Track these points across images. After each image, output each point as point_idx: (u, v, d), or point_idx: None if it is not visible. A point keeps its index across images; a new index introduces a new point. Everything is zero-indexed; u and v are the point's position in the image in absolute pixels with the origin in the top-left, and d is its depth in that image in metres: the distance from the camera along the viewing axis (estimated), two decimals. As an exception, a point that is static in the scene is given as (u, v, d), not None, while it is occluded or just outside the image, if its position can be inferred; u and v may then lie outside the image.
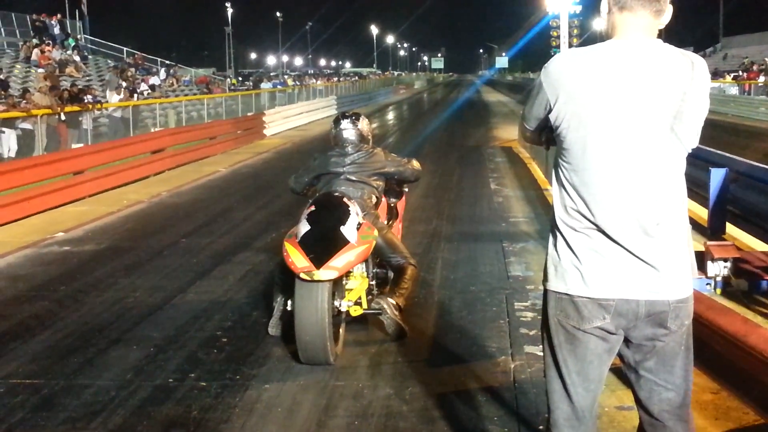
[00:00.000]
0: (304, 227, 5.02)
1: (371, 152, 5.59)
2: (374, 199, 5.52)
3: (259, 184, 13.92)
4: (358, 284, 5.17)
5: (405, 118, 37.83)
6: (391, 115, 39.18)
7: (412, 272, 5.50)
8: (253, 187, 13.54)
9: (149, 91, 25.64)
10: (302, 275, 4.68)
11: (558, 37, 61.52)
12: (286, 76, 53.65)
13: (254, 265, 7.67)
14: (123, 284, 7.04)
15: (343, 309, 4.99)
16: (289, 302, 4.91)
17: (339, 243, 4.85)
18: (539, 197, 11.32)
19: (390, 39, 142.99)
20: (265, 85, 36.27)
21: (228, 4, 73.94)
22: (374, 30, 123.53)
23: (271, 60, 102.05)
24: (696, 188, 8.07)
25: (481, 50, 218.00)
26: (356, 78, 63.54)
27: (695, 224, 8.01)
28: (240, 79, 46.17)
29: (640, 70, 2.24)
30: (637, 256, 2.27)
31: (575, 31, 64.47)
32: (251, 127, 23.37)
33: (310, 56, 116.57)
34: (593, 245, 2.30)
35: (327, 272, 4.69)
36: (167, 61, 36.49)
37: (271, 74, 57.80)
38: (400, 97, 61.31)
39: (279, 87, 36.13)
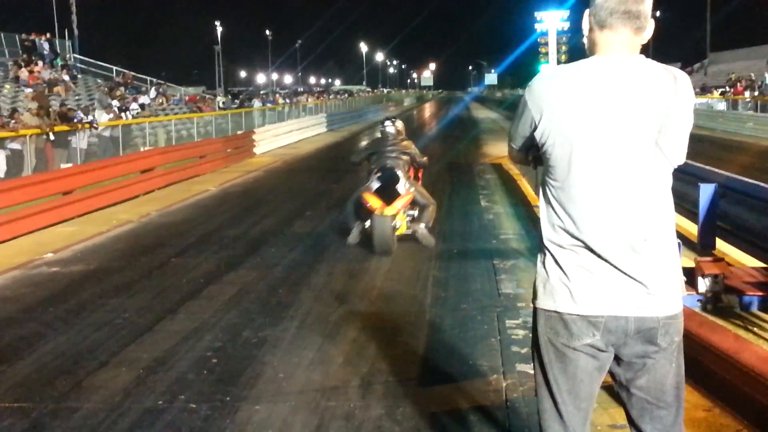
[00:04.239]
0: (375, 184, 8.84)
1: (402, 140, 9.45)
2: (407, 167, 9.19)
3: (249, 203, 13.90)
4: (402, 217, 8.95)
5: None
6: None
7: (432, 209, 9.29)
8: (243, 206, 13.52)
9: (139, 110, 25.61)
10: (377, 212, 8.49)
11: (546, 53, 61.81)
12: (276, 95, 53.67)
13: (244, 285, 7.64)
14: (112, 305, 7.01)
15: (397, 227, 8.72)
16: (366, 224, 8.71)
17: (395, 194, 8.77)
18: (529, 214, 11.34)
19: (379, 56, 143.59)
20: (256, 104, 36.30)
21: (218, 23, 74.30)
22: (363, 47, 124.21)
23: (261, 78, 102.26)
24: (685, 204, 8.10)
25: (470, 67, 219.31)
26: (346, 95, 63.68)
27: (685, 240, 8.02)
28: (230, 97, 46.16)
29: (623, 85, 2.26)
30: (625, 273, 2.27)
31: (563, 47, 64.84)
32: (241, 146, 23.37)
33: (299, 74, 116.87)
34: (581, 262, 2.31)
35: (390, 210, 8.54)
36: (157, 80, 36.47)
37: (261, 92, 57.85)
38: (389, 114, 61.40)
39: (269, 105, 36.15)
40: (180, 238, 10.42)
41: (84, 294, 7.45)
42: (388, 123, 9.72)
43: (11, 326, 6.43)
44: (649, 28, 2.35)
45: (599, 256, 2.28)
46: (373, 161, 9.31)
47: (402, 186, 8.91)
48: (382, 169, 9.00)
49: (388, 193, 8.78)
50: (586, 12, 2.41)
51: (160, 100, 31.27)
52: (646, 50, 2.38)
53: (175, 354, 5.60)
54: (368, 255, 8.84)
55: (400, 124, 9.71)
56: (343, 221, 9.52)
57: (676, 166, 2.34)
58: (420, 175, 9.94)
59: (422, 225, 9.04)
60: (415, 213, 9.23)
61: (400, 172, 8.95)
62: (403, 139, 9.50)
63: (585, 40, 2.43)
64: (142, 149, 19.03)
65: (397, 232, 8.85)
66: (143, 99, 28.76)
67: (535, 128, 2.35)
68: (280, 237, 10.26)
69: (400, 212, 8.78)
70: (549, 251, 2.37)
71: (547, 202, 2.39)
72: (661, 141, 2.26)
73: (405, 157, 9.21)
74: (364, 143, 9.71)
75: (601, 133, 2.25)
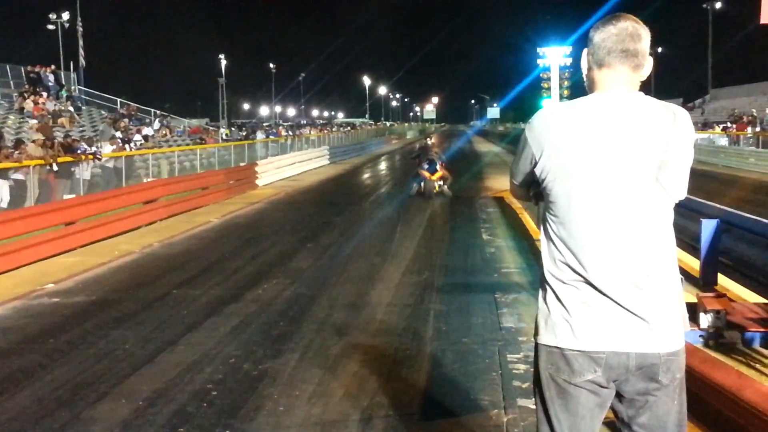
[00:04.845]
0: (425, 165, 19.36)
1: (434, 147, 22.41)
2: (440, 160, 19.88)
3: (250, 235, 13.92)
4: (438, 181, 19.11)
5: (397, 168, 38.03)
6: (383, 165, 39.37)
7: (450, 180, 19.64)
8: (245, 238, 13.53)
9: (142, 141, 25.75)
10: (427, 178, 19.13)
11: (548, 88, 62.11)
12: (279, 127, 53.92)
13: (245, 317, 7.63)
14: (113, 336, 6.99)
15: (435, 187, 18.99)
16: (422, 185, 19.23)
17: (434, 171, 19.22)
18: (531, 247, 11.34)
19: (382, 90, 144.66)
20: (259, 136, 36.48)
21: (222, 56, 74.81)
22: (367, 81, 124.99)
23: (264, 110, 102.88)
24: (687, 238, 8.10)
25: (472, 101, 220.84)
26: (349, 128, 63.98)
27: (687, 275, 8.02)
28: (233, 129, 46.40)
29: (623, 121, 2.27)
30: (627, 309, 2.27)
31: (565, 83, 65.18)
32: (243, 177, 23.43)
33: (302, 106, 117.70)
34: (582, 297, 2.30)
35: (433, 177, 19.13)
36: (160, 112, 36.70)
37: (264, 124, 58.15)
38: (391, 147, 61.69)
39: (272, 137, 36.32)
40: (182, 270, 10.42)
41: (85, 325, 7.44)
42: (428, 140, 23.65)
43: (11, 357, 6.41)
44: (648, 66, 2.37)
45: (601, 291, 2.28)
46: (422, 157, 20.30)
47: (437, 168, 19.44)
48: (428, 160, 19.73)
49: (430, 171, 19.34)
50: (584, 51, 2.44)
51: (164, 132, 31.45)
52: (647, 86, 2.40)
53: (175, 386, 5.58)
54: (369, 288, 8.84)
55: (434, 138, 21.70)
56: (408, 185, 20.50)
57: (677, 201, 2.35)
58: (443, 165, 19.96)
59: (446, 188, 19.45)
60: (442, 183, 19.42)
61: (437, 162, 19.68)
62: (434, 145, 23.06)
63: (585, 78, 2.46)
64: (145, 180, 19.08)
65: (435, 191, 19.15)
66: (147, 130, 28.94)
67: (536, 164, 2.37)
68: (281, 269, 10.26)
69: (436, 180, 19.21)
70: (550, 286, 2.37)
71: (548, 237, 2.39)
72: (662, 177, 2.27)
73: (438, 158, 20.06)
74: (416, 149, 24.85)
75: (601, 170, 2.27)
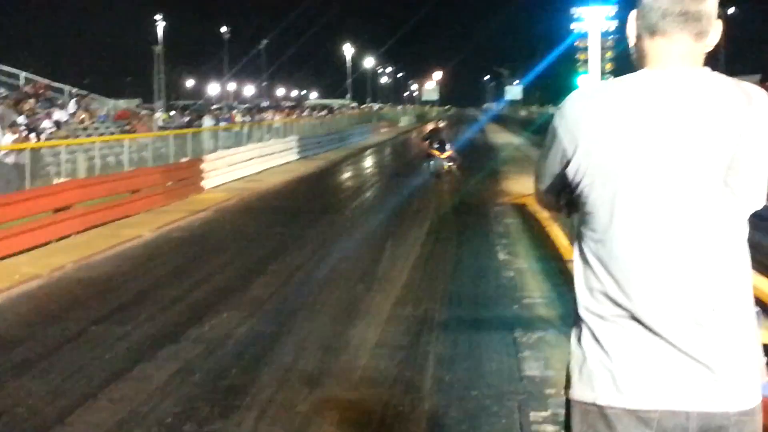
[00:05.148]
0: (435, 145, 26.81)
1: (447, 132, 31.33)
2: (449, 140, 28.37)
3: (194, 253, 13.91)
4: (446, 160, 26.77)
5: (387, 166, 38.08)
6: (369, 162, 39.45)
7: (458, 160, 27.64)
8: (187, 258, 13.52)
9: (53, 129, 25.67)
10: (437, 157, 26.75)
11: (586, 61, 62.04)
12: (233, 110, 53.93)
13: (186, 363, 7.62)
14: (11, 389, 6.97)
15: (445, 166, 26.69)
16: (431, 164, 26.76)
17: (444, 151, 26.89)
18: (562, 271, 11.36)
19: (369, 62, 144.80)
20: (206, 122, 36.45)
21: (158, 17, 74.61)
22: (349, 50, 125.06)
23: (213, 89, 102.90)
24: (766, 259, 8.14)
25: (487, 77, 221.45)
26: (325, 112, 64.11)
27: (764, 307, 8.05)
28: (173, 113, 46.38)
29: (681, 107, 2.25)
30: (685, 353, 2.25)
31: (608, 54, 64.85)
32: (186, 177, 23.41)
33: (264, 83, 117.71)
34: (628, 339, 2.29)
35: (442, 156, 26.73)
36: (77, 90, 36.62)
37: (214, 107, 58.14)
38: (380, 137, 61.85)
39: (224, 124, 36.31)
40: (103, 300, 10.40)
41: (-26, 373, 7.41)
42: (440, 123, 37.21)
43: None
44: (715, 32, 2.36)
45: (651, 330, 2.26)
46: (433, 138, 27.14)
47: (446, 147, 26.44)
48: (439, 141, 26.60)
49: (440, 150, 26.21)
50: (632, 14, 2.42)
51: (82, 117, 31.35)
52: (714, 58, 2.39)
53: (92, 454, 5.56)
54: (349, 324, 8.86)
55: (444, 124, 39.54)
56: (422, 166, 27.76)
57: (752, 212, 2.33)
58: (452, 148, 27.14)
59: (455, 167, 26.34)
60: (451, 163, 26.26)
61: (447, 142, 26.84)
62: (445, 128, 32.66)
63: (632, 50, 2.45)
64: (56, 181, 19.03)
65: (444, 169, 25.85)
66: (59, 115, 28.84)
67: (568, 164, 2.36)
68: (234, 299, 10.25)
69: (445, 158, 26.10)
70: (586, 324, 2.36)
71: (584, 260, 2.38)
72: (732, 179, 2.25)
73: (447, 138, 27.19)
74: (428, 131, 30.45)
75: (653, 171, 2.25)
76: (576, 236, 2.45)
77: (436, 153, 26.63)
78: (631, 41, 2.43)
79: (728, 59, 56.34)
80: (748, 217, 2.32)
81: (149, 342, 8.32)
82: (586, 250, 2.37)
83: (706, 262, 2.25)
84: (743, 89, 2.27)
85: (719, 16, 2.38)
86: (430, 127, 36.75)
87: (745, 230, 2.32)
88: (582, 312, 2.37)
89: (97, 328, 8.93)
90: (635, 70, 2.38)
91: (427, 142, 27.95)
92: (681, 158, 2.23)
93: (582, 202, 2.37)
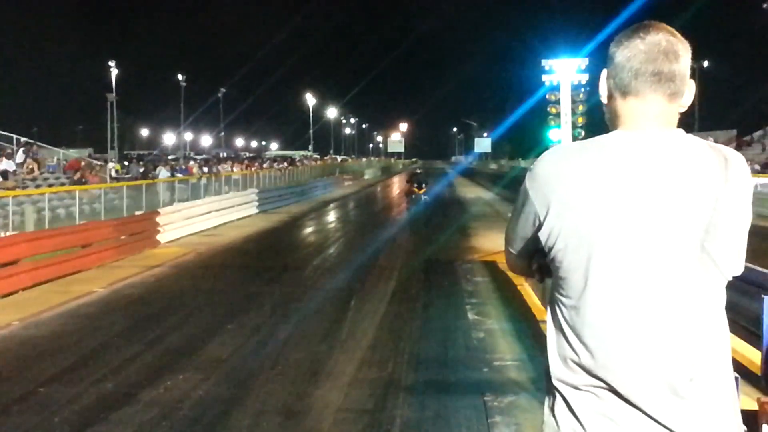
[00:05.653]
0: (415, 184, 41.60)
1: (424, 176, 46.22)
2: (426, 181, 43.75)
3: (148, 312, 13.80)
4: (423, 194, 41.19)
5: (351, 221, 38.12)
6: (332, 216, 39.48)
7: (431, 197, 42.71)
8: (141, 316, 13.41)
9: (0, 179, 25.55)
10: (416, 193, 41.26)
11: (557, 114, 62.60)
12: (191, 162, 53.89)
13: (139, 427, 7.56)
14: (-47, 454, 6.87)
15: (422, 198, 41.04)
16: (413, 197, 41.21)
17: (423, 186, 41.66)
18: (535, 332, 11.40)
19: (332, 112, 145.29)
20: (162, 173, 36.39)
21: (112, 63, 74.44)
22: (310, 100, 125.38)
23: (169, 138, 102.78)
24: (744, 322, 8.20)
25: (455, 129, 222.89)
26: (285, 164, 64.17)
27: (744, 373, 8.10)
28: (126, 164, 46.26)
29: (657, 171, 2.25)
30: (662, 425, 2.24)
31: (580, 107, 65.63)
32: (141, 231, 23.31)
33: (222, 134, 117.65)
34: (603, 409, 2.28)
35: (422, 191, 41.25)
36: (25, 139, 36.46)
37: (170, 158, 58.09)
38: (344, 190, 61.95)
39: (180, 176, 36.27)
40: (51, 360, 10.29)
41: None
42: (418, 170, 51.98)
43: None
44: (689, 93, 2.38)
45: (627, 401, 2.26)
46: (413, 179, 42.41)
47: (423, 186, 40.72)
48: (417, 181, 41.49)
49: (419, 188, 40.47)
50: (604, 73, 2.44)
51: (30, 167, 31.22)
52: (688, 116, 2.42)
53: None
54: (311, 387, 8.81)
55: (419, 170, 52.47)
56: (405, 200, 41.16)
57: (730, 278, 2.32)
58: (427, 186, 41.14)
59: (428, 198, 40.93)
60: (425, 196, 40.47)
61: (424, 182, 41.43)
62: (422, 173, 46.06)
63: (605, 109, 2.45)
64: (2, 234, 18.89)
65: (421, 200, 39.73)
66: (6, 164, 28.72)
67: (540, 227, 2.36)
68: (190, 360, 10.18)
69: (421, 193, 40.17)
70: (559, 393, 2.35)
71: (557, 326, 2.37)
72: (710, 244, 2.25)
73: (424, 181, 42.06)
74: (410, 174, 44.02)
75: (628, 235, 2.25)
76: (549, 302, 2.43)
77: (417, 190, 40.15)
78: (604, 100, 2.43)
79: (702, 115, 57.03)
80: (725, 283, 2.31)
81: (101, 405, 8.24)
82: (559, 316, 2.35)
83: (684, 330, 2.24)
84: (719, 152, 2.28)
85: (693, 72, 2.40)
86: (411, 172, 52.91)
87: (722, 296, 2.32)
88: (555, 381, 2.35)
89: (46, 390, 8.84)
90: (608, 128, 2.39)
91: (409, 183, 42.11)
92: (657, 223, 2.23)
93: (555, 266, 2.36)
